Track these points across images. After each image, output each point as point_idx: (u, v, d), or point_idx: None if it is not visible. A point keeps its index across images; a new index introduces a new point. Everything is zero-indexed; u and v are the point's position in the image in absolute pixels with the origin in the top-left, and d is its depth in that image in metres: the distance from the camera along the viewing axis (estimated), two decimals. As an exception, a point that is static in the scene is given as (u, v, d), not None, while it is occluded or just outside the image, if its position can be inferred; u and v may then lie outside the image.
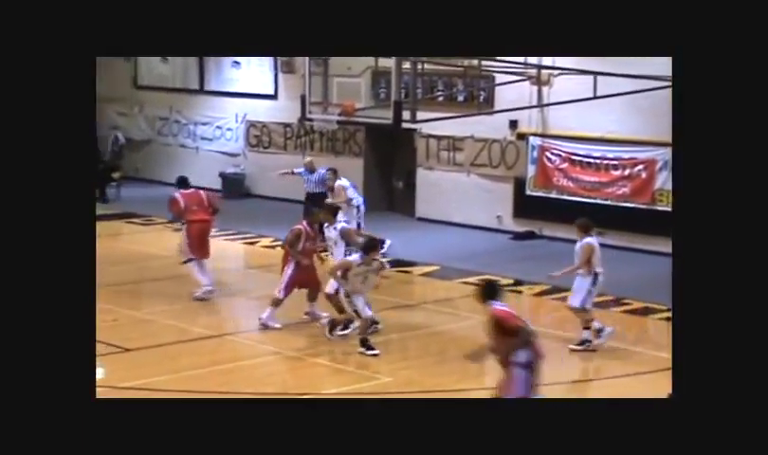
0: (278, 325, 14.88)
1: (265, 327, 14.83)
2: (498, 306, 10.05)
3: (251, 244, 21.55)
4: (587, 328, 14.17)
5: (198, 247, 16.54)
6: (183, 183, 17.18)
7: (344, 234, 14.86)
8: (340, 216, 19.74)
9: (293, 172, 21.61)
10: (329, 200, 20.18)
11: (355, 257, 13.90)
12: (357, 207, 19.87)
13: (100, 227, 21.89)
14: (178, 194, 16.86)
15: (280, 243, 16.91)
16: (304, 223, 15.18)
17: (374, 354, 13.54)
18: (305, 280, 14.99)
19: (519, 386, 9.64)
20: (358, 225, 19.69)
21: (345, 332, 14.35)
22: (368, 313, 13.73)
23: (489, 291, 10.24)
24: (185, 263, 16.62)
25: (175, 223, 16.86)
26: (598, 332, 14.21)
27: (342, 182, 20.11)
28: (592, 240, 14.19)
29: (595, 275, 14.08)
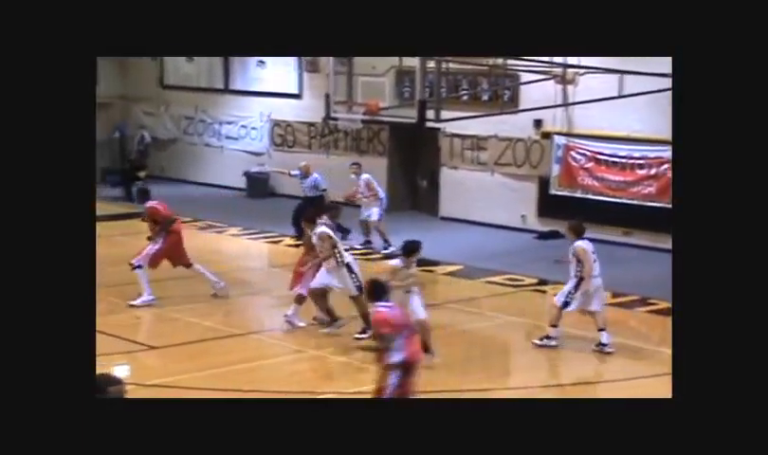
0: (302, 323, 14.90)
1: (290, 324, 14.84)
2: (380, 307, 10.24)
3: (275, 243, 21.59)
4: (554, 326, 14.17)
5: (175, 255, 16.39)
6: (147, 194, 16.87)
7: (321, 237, 14.59)
8: (364, 209, 20.28)
9: (290, 174, 21.84)
10: (362, 192, 20.46)
11: (396, 261, 13.68)
12: (381, 199, 20.78)
13: (125, 225, 22.09)
14: (154, 203, 16.63)
15: (301, 242, 16.86)
16: (325, 217, 15.11)
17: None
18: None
19: (390, 385, 9.85)
20: (380, 215, 20.50)
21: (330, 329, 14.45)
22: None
23: (375, 291, 10.46)
24: (135, 268, 16.03)
25: (159, 237, 16.42)
26: (547, 337, 14.17)
27: (368, 176, 20.93)
28: (583, 243, 14.09)
29: (580, 280, 13.97)
